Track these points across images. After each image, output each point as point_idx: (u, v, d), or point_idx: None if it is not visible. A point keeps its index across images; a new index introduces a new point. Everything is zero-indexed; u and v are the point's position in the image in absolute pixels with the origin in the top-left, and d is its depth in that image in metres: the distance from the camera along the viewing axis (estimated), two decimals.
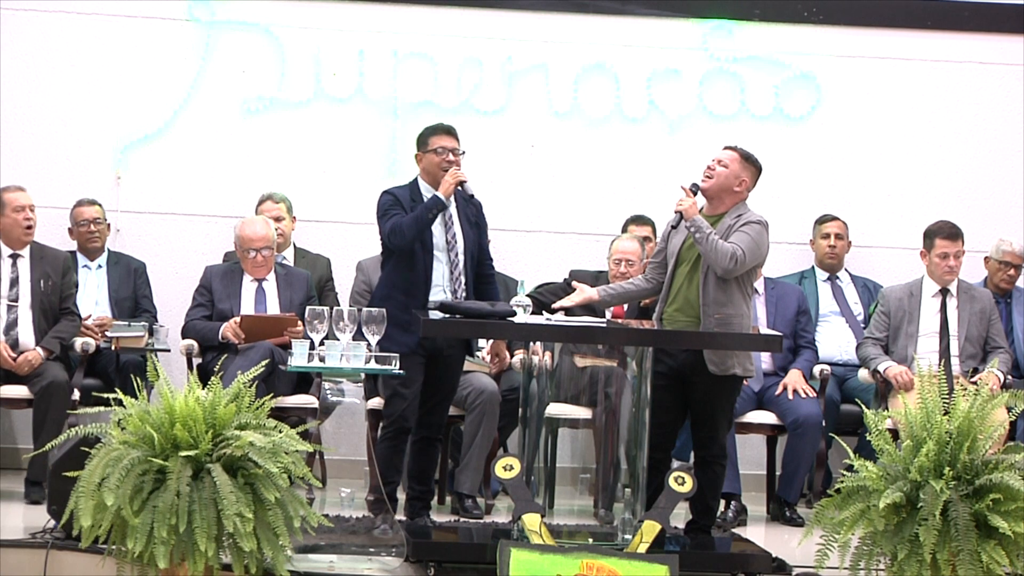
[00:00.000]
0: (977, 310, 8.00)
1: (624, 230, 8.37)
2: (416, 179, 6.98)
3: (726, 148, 6.81)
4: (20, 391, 7.46)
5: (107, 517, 5.60)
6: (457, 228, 6.92)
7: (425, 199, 6.85)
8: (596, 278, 8.10)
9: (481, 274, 7.06)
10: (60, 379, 7.38)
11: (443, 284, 6.88)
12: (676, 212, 6.70)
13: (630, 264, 7.85)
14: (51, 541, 6.21)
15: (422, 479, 6.99)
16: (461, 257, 6.91)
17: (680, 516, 7.11)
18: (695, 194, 6.73)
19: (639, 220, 8.44)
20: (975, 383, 6.74)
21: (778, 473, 7.99)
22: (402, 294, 6.83)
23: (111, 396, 5.92)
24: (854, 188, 8.90)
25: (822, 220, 8.65)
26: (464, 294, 6.92)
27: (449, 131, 6.96)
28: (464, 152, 6.94)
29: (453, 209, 6.93)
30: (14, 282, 7.59)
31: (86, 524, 5.62)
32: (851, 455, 6.05)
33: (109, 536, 5.68)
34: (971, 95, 8.96)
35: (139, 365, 7.65)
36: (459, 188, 6.85)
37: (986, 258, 8.48)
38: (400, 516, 7.16)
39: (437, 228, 6.88)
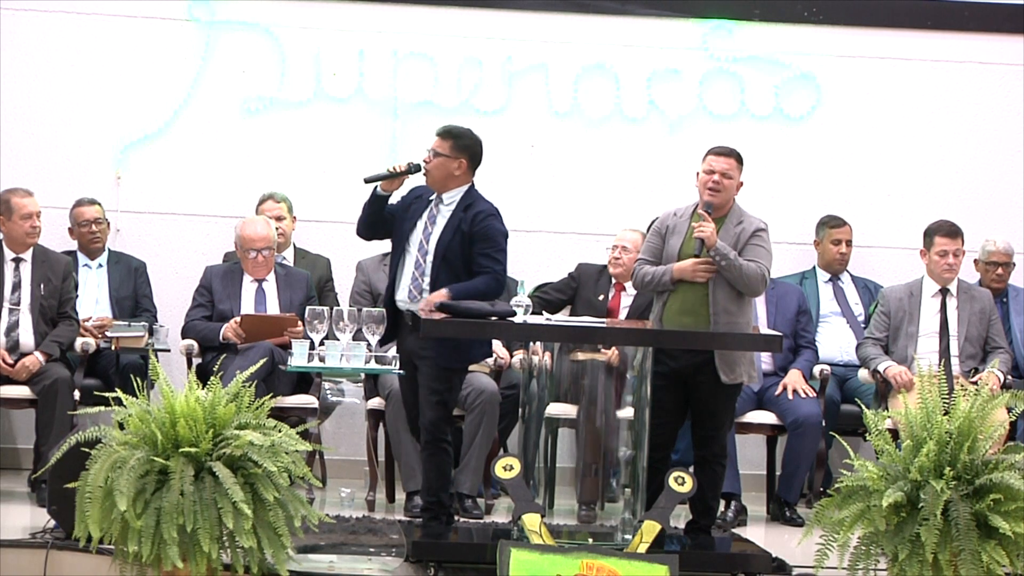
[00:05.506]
0: (977, 310, 7.99)
1: None
2: None
3: (718, 155, 6.78)
4: (22, 391, 7.44)
5: (113, 521, 5.59)
6: (436, 230, 6.73)
7: (428, 198, 6.79)
8: (600, 272, 8.12)
9: (472, 273, 6.80)
10: (64, 377, 7.37)
11: (408, 282, 6.76)
12: (697, 238, 6.67)
13: (625, 251, 7.90)
14: (51, 541, 6.21)
15: (431, 489, 6.68)
16: (429, 259, 6.71)
17: (680, 516, 7.11)
18: (710, 214, 6.72)
19: None
20: (975, 383, 6.74)
21: (778, 473, 7.99)
22: (387, 290, 6.90)
23: (111, 396, 5.92)
24: (854, 188, 8.89)
25: (833, 224, 8.57)
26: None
27: (438, 132, 6.85)
28: (433, 150, 6.74)
29: (444, 211, 6.77)
30: (16, 286, 7.57)
31: (96, 533, 5.60)
32: (851, 455, 6.04)
33: (109, 536, 5.67)
34: (971, 95, 8.95)
35: (139, 365, 7.64)
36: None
37: (975, 261, 8.45)
38: (400, 516, 7.16)
39: (418, 224, 6.76)
